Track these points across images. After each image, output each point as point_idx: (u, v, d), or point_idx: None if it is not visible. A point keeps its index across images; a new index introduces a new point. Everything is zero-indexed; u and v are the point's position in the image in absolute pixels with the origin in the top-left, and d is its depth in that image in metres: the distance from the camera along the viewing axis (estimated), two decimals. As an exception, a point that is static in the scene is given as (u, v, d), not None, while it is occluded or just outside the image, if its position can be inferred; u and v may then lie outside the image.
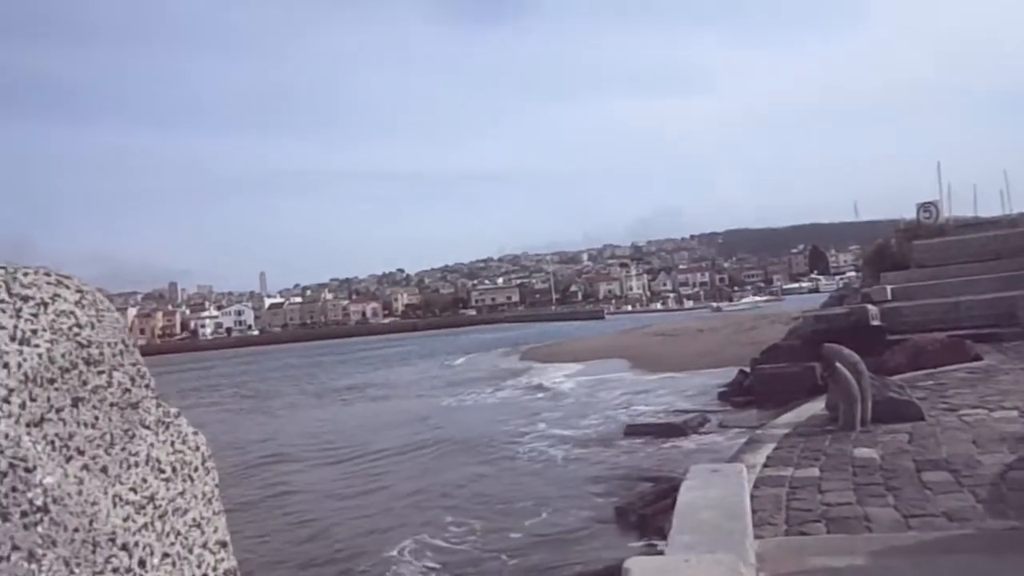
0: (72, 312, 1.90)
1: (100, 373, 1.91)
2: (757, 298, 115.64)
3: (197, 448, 2.17)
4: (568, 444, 20.38)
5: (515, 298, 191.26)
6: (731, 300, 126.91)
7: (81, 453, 1.80)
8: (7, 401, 1.66)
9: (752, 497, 6.88)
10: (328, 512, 15.86)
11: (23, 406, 1.69)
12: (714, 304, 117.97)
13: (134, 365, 2.02)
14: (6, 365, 1.68)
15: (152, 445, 2.01)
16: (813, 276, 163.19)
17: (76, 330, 1.88)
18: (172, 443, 2.08)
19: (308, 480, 19.69)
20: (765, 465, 8.26)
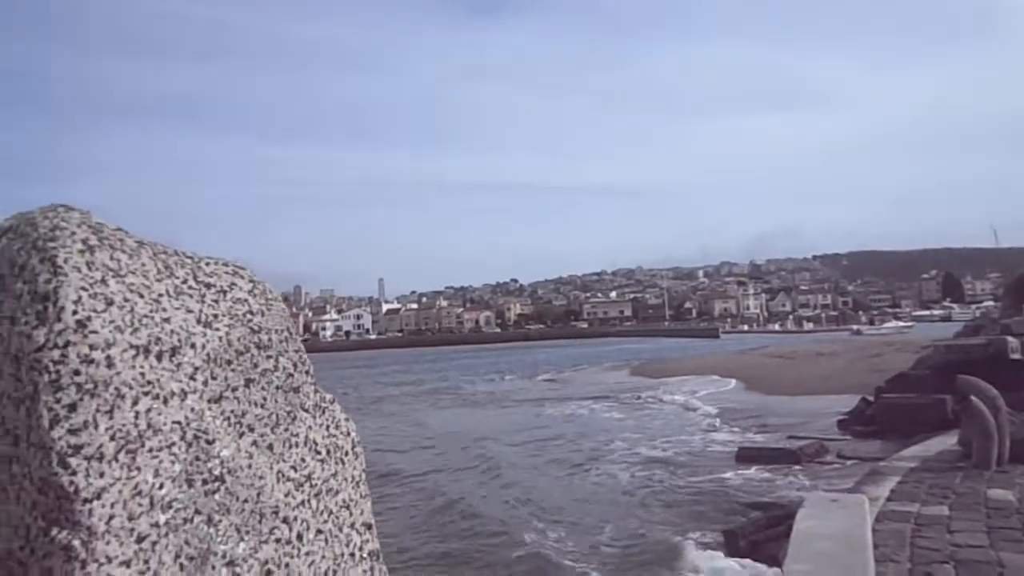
0: (246, 300, 2.06)
1: (268, 357, 2.06)
2: (900, 323, 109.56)
3: (348, 433, 2.30)
4: (675, 465, 20.01)
5: (628, 312, 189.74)
6: (872, 323, 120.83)
7: (251, 430, 1.95)
8: (193, 378, 1.82)
9: (873, 531, 6.60)
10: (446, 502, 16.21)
11: (206, 383, 1.85)
12: (854, 327, 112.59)
13: (296, 352, 2.17)
14: (192, 345, 1.84)
15: (310, 428, 2.15)
16: (946, 304, 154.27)
17: (249, 317, 2.04)
18: (327, 427, 2.22)
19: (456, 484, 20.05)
20: (888, 499, 7.91)
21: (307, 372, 2.20)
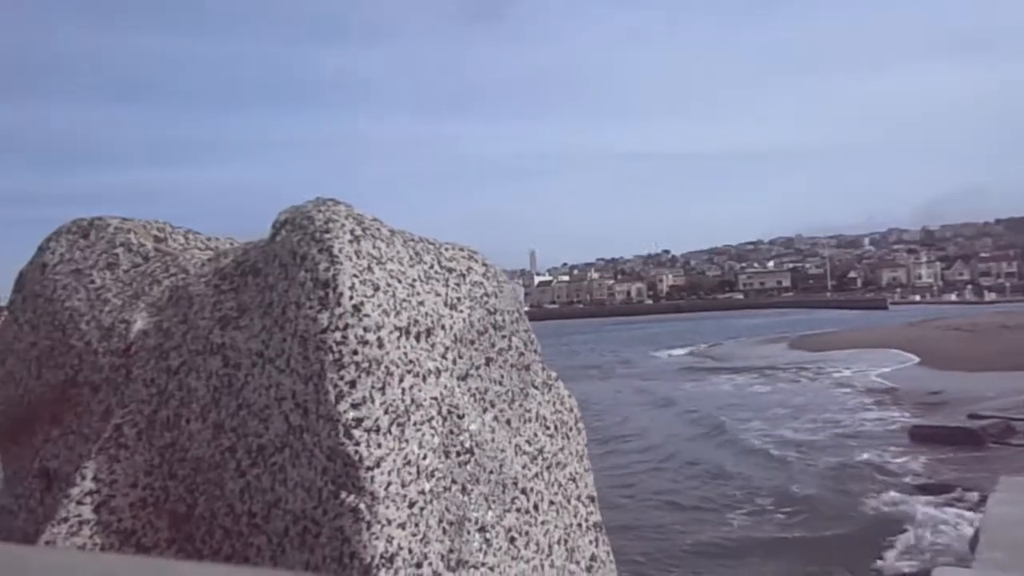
0: (482, 283, 2.18)
1: (503, 337, 2.18)
2: None
3: (571, 409, 2.39)
4: (843, 443, 19.16)
5: (786, 283, 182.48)
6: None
7: (492, 406, 2.07)
8: (444, 357, 1.96)
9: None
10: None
11: (454, 362, 1.98)
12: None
13: (526, 331, 2.28)
14: (443, 327, 1.97)
15: (540, 404, 2.26)
16: None
17: (486, 299, 2.16)
18: (554, 403, 2.32)
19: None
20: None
21: (535, 351, 2.31)
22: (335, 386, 1.71)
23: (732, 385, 32.26)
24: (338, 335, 1.73)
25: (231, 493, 1.85)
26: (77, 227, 2.47)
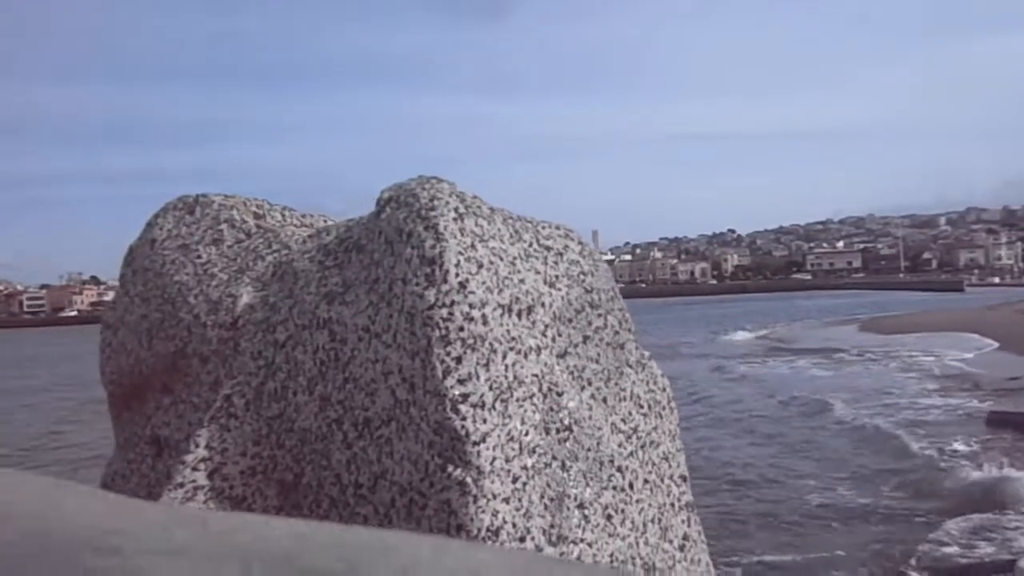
0: (578, 261, 2.18)
1: (599, 316, 2.18)
2: None
3: (664, 389, 2.39)
4: (912, 429, 18.62)
5: (856, 263, 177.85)
6: None
7: (589, 384, 2.08)
8: (544, 335, 1.97)
9: None
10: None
11: (553, 340, 2.00)
12: None
13: (621, 310, 2.28)
14: (543, 304, 1.99)
15: (634, 383, 2.26)
16: None
17: (582, 277, 2.16)
18: (647, 383, 2.32)
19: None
20: None
21: (629, 330, 2.31)
22: (442, 361, 1.74)
23: (812, 367, 31.41)
24: (444, 311, 1.76)
25: (338, 464, 1.90)
26: (183, 204, 2.55)
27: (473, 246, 1.86)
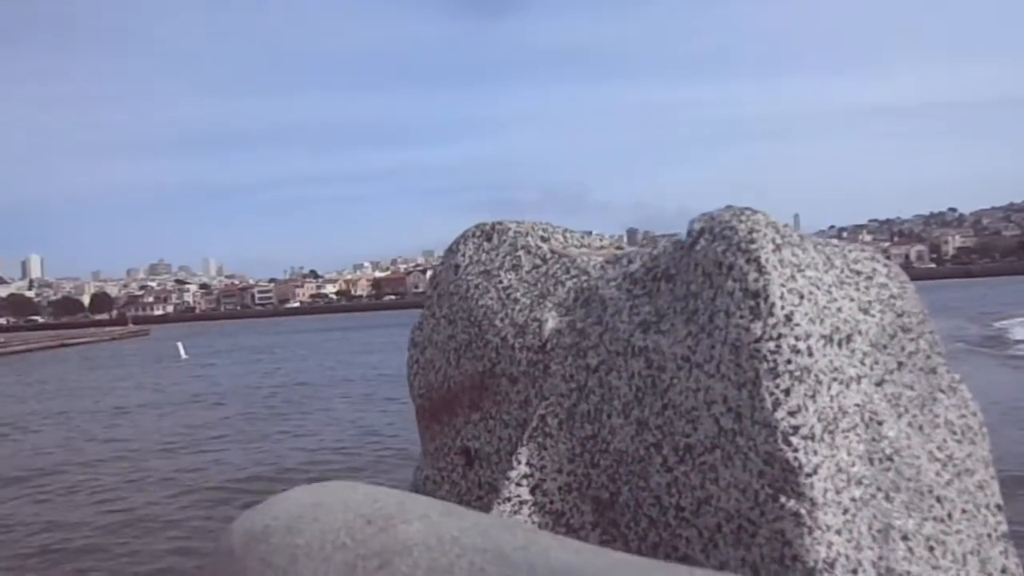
0: (887, 284, 2.14)
1: (911, 340, 2.12)
2: None
3: (975, 413, 2.28)
4: None
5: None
6: None
7: (906, 411, 2.04)
8: (863, 363, 1.95)
9: None
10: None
11: (871, 368, 1.97)
12: None
13: (931, 333, 2.20)
14: (860, 332, 1.97)
15: (947, 408, 2.18)
16: None
17: (892, 301, 2.12)
18: (959, 408, 2.22)
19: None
20: None
21: (940, 353, 2.22)
22: (771, 394, 1.77)
23: None
24: (772, 344, 1.79)
25: (657, 486, 1.99)
26: (481, 231, 2.75)
27: (793, 277, 1.88)
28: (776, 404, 1.77)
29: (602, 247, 2.93)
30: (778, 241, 1.92)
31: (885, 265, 2.19)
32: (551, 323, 2.35)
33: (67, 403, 25.46)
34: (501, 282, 2.57)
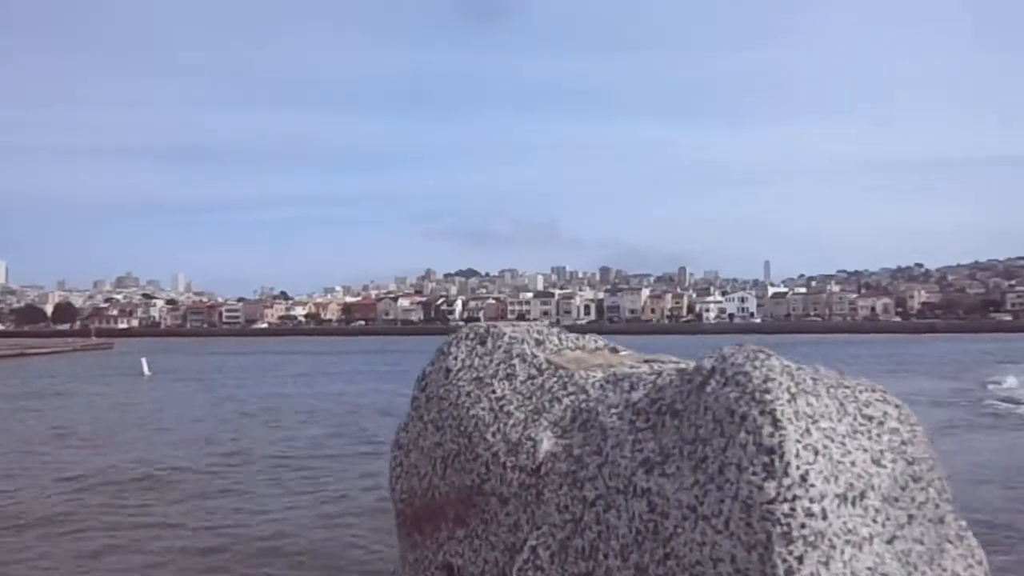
0: (898, 429, 2.06)
1: (922, 489, 2.04)
2: None
3: (981, 562, 2.20)
4: None
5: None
6: None
7: (916, 568, 1.95)
8: (875, 520, 1.86)
9: None
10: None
11: (883, 525, 1.88)
12: None
13: (939, 479, 2.12)
14: (872, 487, 1.88)
15: (954, 559, 2.09)
16: None
17: (903, 448, 2.04)
18: (966, 557, 2.14)
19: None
20: None
21: (948, 500, 2.15)
22: (784, 560, 1.68)
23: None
24: (786, 507, 1.70)
25: (655, 639, 1.88)
26: (475, 334, 2.65)
27: (808, 431, 1.79)
28: (788, 572, 1.67)
29: (596, 349, 2.85)
30: (793, 390, 1.84)
31: (896, 407, 2.12)
32: (546, 444, 2.24)
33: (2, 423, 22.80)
34: (494, 391, 2.46)
